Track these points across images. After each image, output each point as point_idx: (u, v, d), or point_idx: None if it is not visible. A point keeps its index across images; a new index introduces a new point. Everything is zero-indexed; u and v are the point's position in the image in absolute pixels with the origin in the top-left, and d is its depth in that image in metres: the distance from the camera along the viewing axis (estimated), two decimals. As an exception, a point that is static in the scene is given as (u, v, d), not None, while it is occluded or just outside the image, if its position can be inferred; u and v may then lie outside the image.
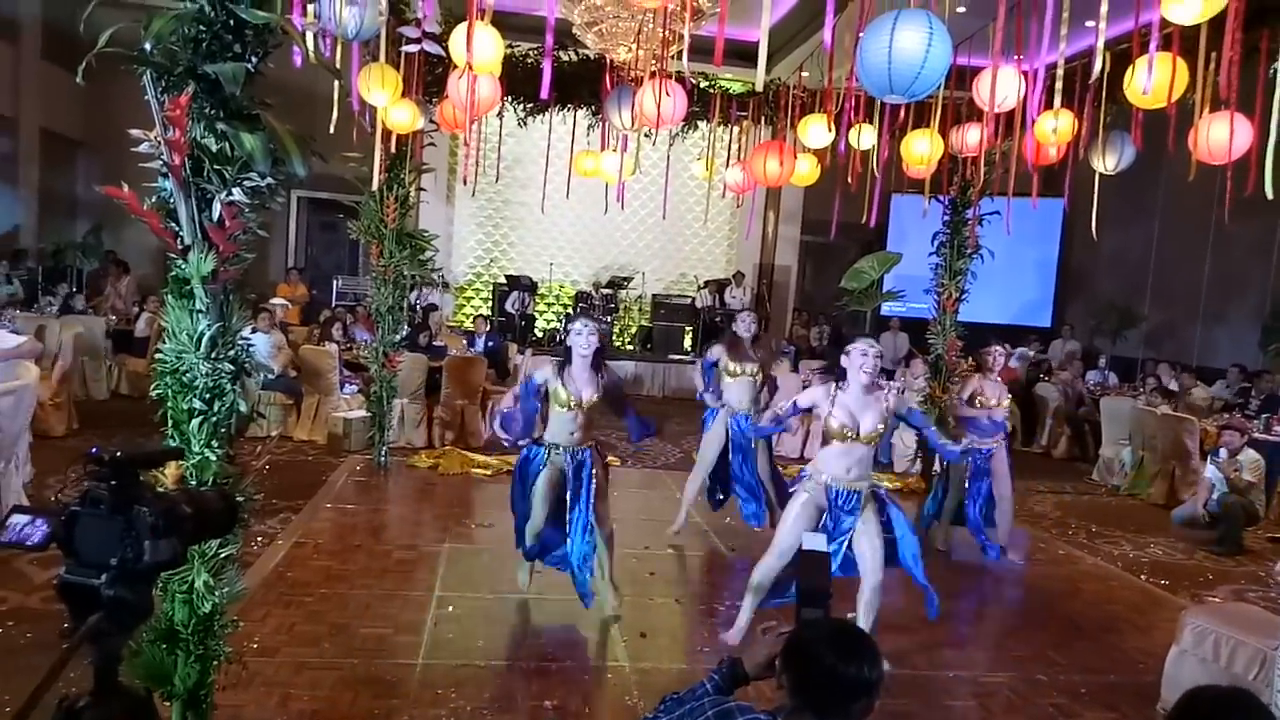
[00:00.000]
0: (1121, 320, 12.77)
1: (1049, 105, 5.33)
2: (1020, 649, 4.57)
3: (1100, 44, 4.14)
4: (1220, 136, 4.67)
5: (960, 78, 5.72)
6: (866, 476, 4.07)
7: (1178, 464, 7.99)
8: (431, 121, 6.85)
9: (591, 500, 4.33)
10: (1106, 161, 5.99)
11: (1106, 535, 6.96)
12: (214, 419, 2.55)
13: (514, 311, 13.19)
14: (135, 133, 2.49)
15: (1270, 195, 4.16)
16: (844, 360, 4.00)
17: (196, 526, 1.14)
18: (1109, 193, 7.35)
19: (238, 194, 2.58)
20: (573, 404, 4.28)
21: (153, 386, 2.59)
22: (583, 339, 4.27)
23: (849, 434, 3.96)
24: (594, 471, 4.37)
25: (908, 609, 5.02)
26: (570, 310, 13.88)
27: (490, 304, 14.05)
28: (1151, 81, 4.32)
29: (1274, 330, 10.18)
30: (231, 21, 2.54)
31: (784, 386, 9.34)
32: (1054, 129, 5.53)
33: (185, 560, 1.15)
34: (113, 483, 1.05)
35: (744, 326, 5.88)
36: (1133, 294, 13.10)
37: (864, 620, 4.01)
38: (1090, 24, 4.09)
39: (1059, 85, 4.87)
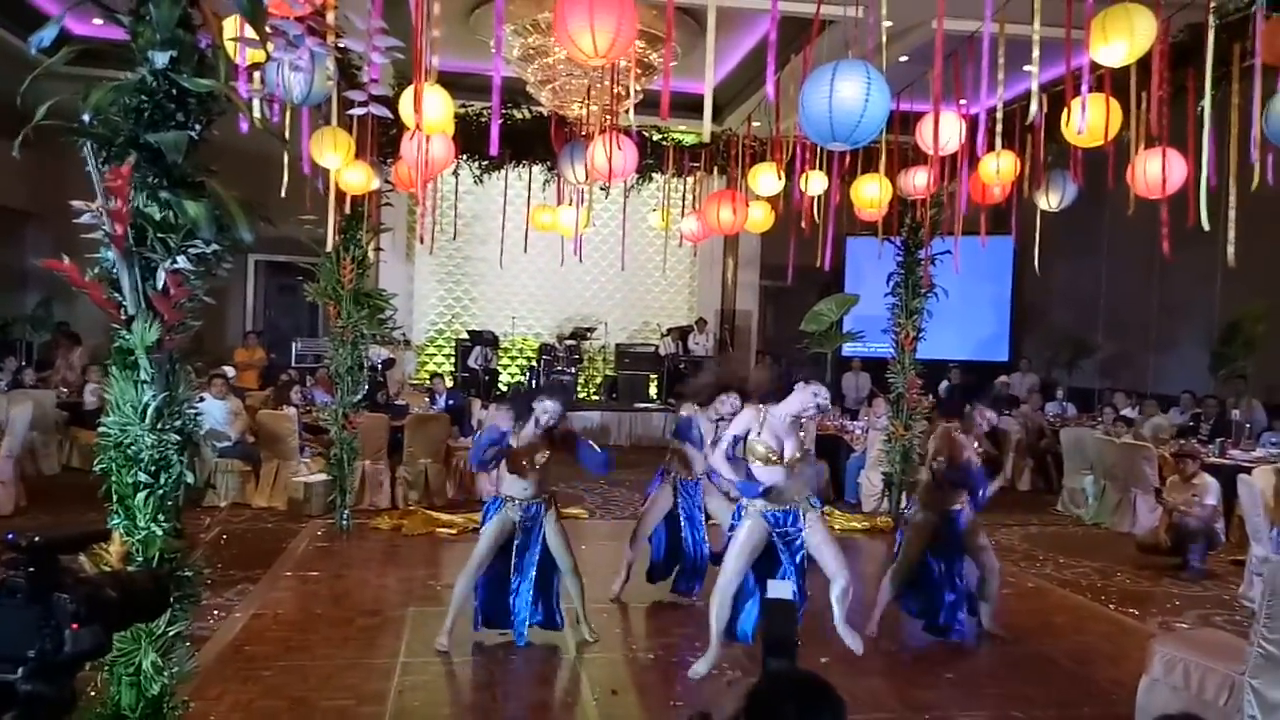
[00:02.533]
0: (1076, 351, 13.01)
1: (991, 147, 5.49)
2: (994, 686, 4.54)
3: (1035, 87, 4.28)
4: (1155, 172, 4.83)
5: (905, 123, 5.88)
6: (800, 491, 4.25)
7: (1139, 491, 8.08)
8: (387, 182, 6.88)
9: (542, 546, 4.71)
10: (1050, 199, 6.16)
11: (1074, 565, 6.99)
12: (160, 492, 2.48)
13: (477, 366, 13.12)
14: (76, 204, 2.46)
15: (1206, 227, 4.30)
16: (797, 388, 4.13)
17: (124, 611, 1.09)
18: (1056, 229, 7.56)
19: (183, 262, 2.55)
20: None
21: (96, 461, 2.52)
22: (549, 416, 4.63)
23: (773, 457, 4.11)
24: (546, 519, 4.74)
25: (880, 650, 5.00)
26: (535, 364, 13.84)
27: (453, 360, 13.98)
28: (1086, 121, 4.46)
29: (1222, 355, 10.42)
30: (174, 90, 2.54)
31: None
32: (997, 170, 5.68)
33: (111, 649, 1.10)
34: (30, 569, 1.01)
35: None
36: (1086, 325, 13.38)
37: (840, 618, 4.30)
38: (1027, 68, 4.23)
39: (999, 128, 5.02)
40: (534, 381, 13.60)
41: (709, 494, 5.60)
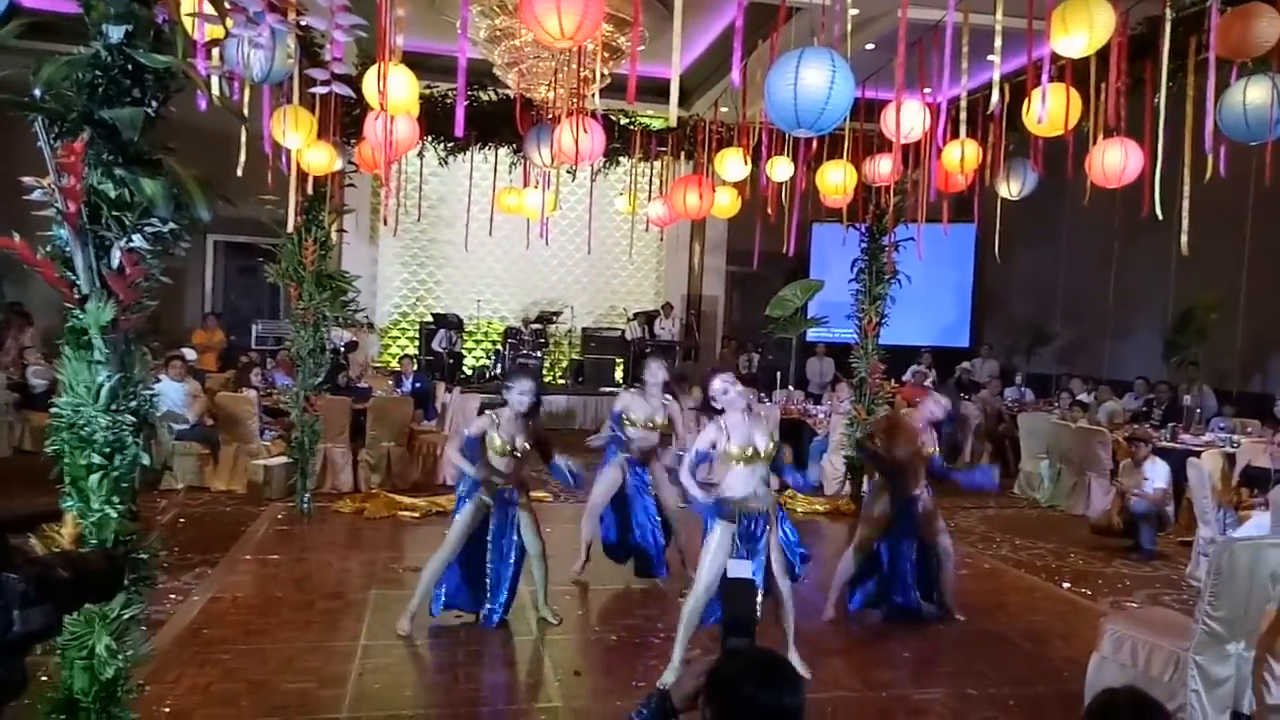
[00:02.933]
0: (1035, 338, 13.24)
1: (954, 135, 5.55)
2: (950, 665, 4.64)
3: (997, 76, 4.33)
4: (1114, 162, 4.92)
5: (870, 110, 5.92)
6: (768, 495, 4.23)
7: (1093, 475, 8.27)
8: (350, 163, 6.78)
9: (518, 528, 4.81)
10: (1011, 187, 6.24)
11: (1029, 547, 7.15)
12: (115, 474, 2.45)
13: (441, 350, 13.04)
14: (27, 180, 2.41)
15: (1160, 216, 4.39)
16: (713, 402, 4.15)
17: (76, 591, 1.08)
18: (1017, 217, 7.66)
19: (139, 240, 2.51)
20: (507, 450, 4.67)
21: (48, 442, 2.48)
22: (526, 397, 4.69)
23: (749, 454, 4.08)
24: (520, 504, 4.82)
25: (841, 631, 5.08)
26: (500, 348, 13.77)
27: (417, 343, 13.87)
28: (1046, 111, 4.53)
29: (1175, 343, 10.67)
30: (130, 66, 2.48)
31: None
32: (960, 158, 5.74)
33: (62, 629, 1.09)
34: (-22, 550, 1.00)
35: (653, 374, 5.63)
36: (1045, 313, 13.61)
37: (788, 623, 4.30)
38: (990, 58, 4.28)
39: (963, 116, 5.08)
40: (499, 366, 13.54)
41: (662, 486, 5.64)
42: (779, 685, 1.66)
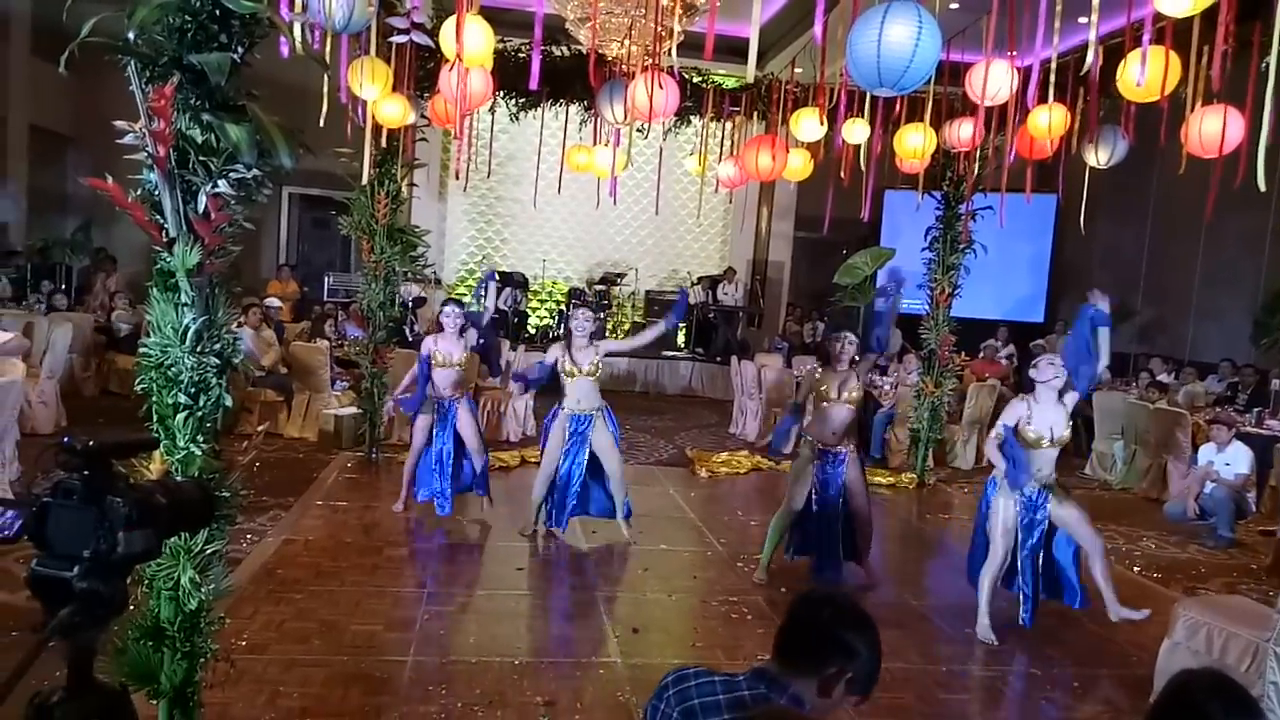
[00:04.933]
0: (1114, 316, 12.78)
1: (1042, 100, 5.33)
2: (1013, 642, 4.56)
3: (1093, 37, 4.13)
4: (1212, 130, 4.68)
5: (953, 73, 5.72)
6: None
7: (1170, 458, 8.00)
8: (423, 116, 6.83)
9: (589, 450, 5.55)
10: (1099, 156, 6.00)
11: (1100, 529, 6.94)
12: (199, 413, 2.52)
13: (506, 308, 13.15)
14: (119, 124, 2.46)
15: (1263, 188, 4.16)
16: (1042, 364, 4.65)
17: (172, 518, 1.11)
18: (1101, 188, 7.35)
19: (223, 186, 2.55)
20: (576, 373, 5.43)
21: (137, 381, 2.56)
22: (579, 323, 5.53)
23: (1044, 441, 4.49)
24: (596, 427, 5.54)
25: (901, 603, 5.03)
26: (564, 307, 13.84)
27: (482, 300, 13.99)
28: (1145, 75, 4.32)
29: (1266, 325, 10.20)
30: (217, 11, 2.51)
31: (775, 381, 9.35)
32: (1046, 123, 5.53)
33: (160, 552, 1.12)
34: (85, 473, 1.03)
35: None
36: (1125, 289, 13.10)
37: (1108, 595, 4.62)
38: (1083, 20, 4.08)
39: (1052, 80, 4.87)
40: (563, 325, 13.61)
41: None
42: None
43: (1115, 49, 5.09)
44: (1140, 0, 4.22)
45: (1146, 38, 4.20)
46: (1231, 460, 6.80)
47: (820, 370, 5.26)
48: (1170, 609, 4.08)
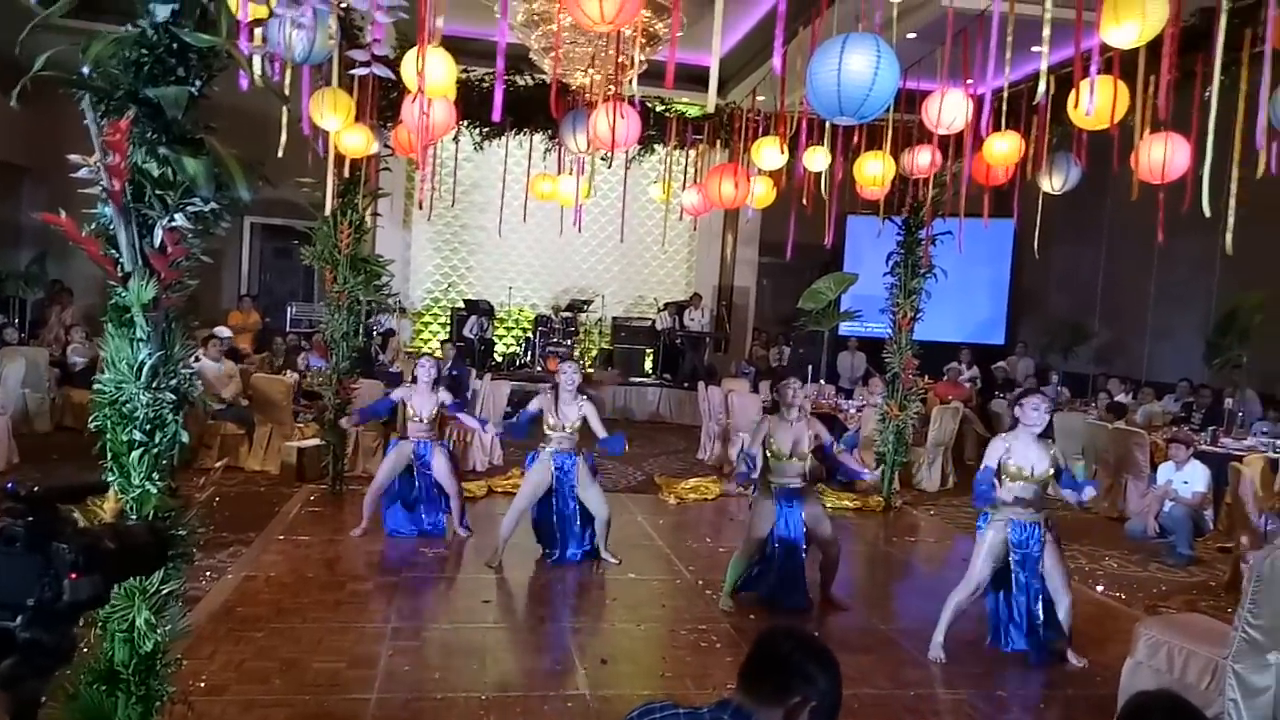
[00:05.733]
0: (1072, 337, 13.03)
1: (996, 127, 5.46)
2: (979, 665, 4.58)
3: (1044, 67, 4.24)
4: (1160, 157, 4.81)
5: (910, 101, 5.84)
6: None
7: (1130, 477, 8.13)
8: (386, 146, 6.81)
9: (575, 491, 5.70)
10: (1053, 182, 6.13)
11: (1063, 549, 7.03)
12: (155, 450, 2.47)
13: (472, 336, 13.10)
14: (74, 158, 2.43)
15: (1208, 213, 4.28)
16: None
17: (122, 563, 1.08)
18: (1057, 213, 7.54)
19: (180, 219, 2.53)
20: (559, 428, 5.63)
21: (91, 418, 2.51)
22: (567, 377, 5.66)
23: (1025, 475, 4.53)
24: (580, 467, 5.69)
25: (869, 627, 5.04)
26: (531, 335, 13.82)
27: (448, 329, 13.95)
28: (1094, 103, 4.43)
29: (1217, 345, 10.44)
30: (175, 45, 2.49)
31: (742, 406, 9.40)
32: (1001, 151, 5.65)
33: (109, 599, 1.09)
34: (29, 519, 1.00)
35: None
36: (1083, 311, 13.39)
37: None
38: (1035, 49, 4.19)
39: (1004, 108, 4.99)
40: (529, 353, 13.59)
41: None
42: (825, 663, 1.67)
43: (1066, 78, 5.23)
44: (1089, 31, 4.34)
45: (1095, 68, 4.32)
46: (1189, 479, 6.92)
47: (770, 421, 5.23)
48: (1133, 628, 4.13)
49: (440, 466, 6.12)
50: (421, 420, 6.07)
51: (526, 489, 5.71)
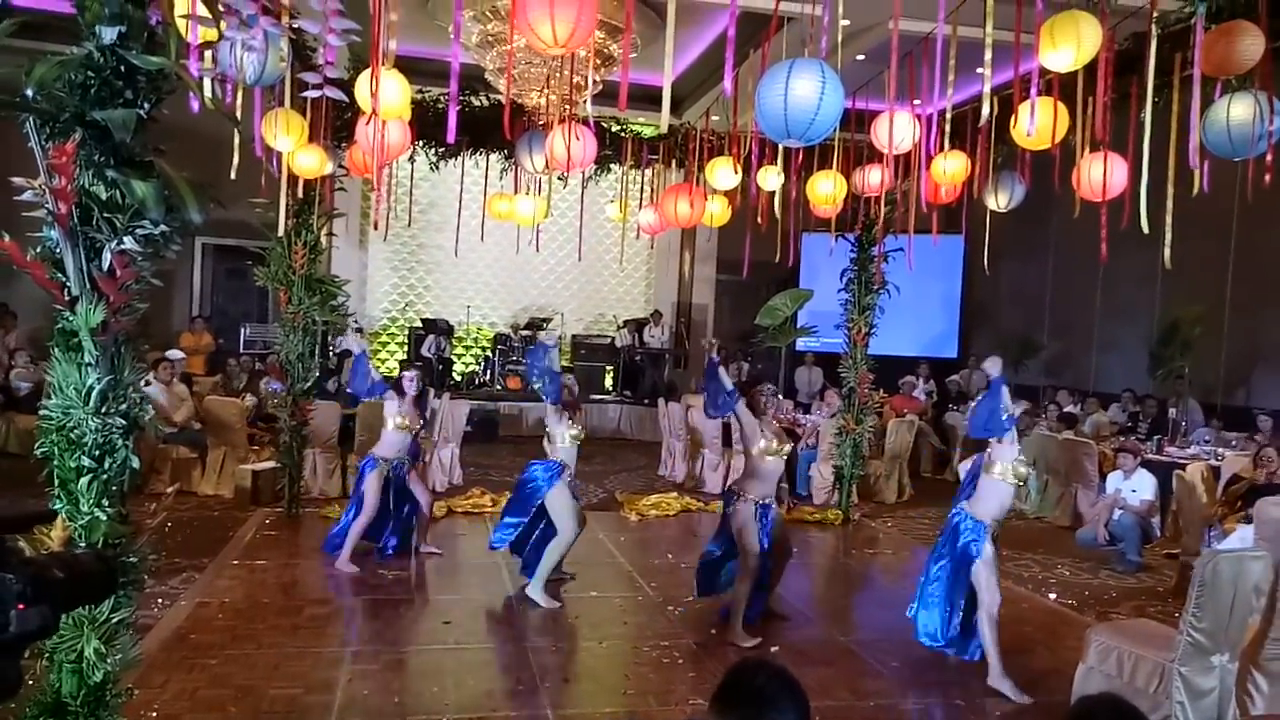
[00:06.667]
0: (1022, 350, 13.31)
1: (943, 147, 5.60)
2: (937, 675, 4.65)
3: (988, 89, 4.37)
4: (1099, 176, 4.96)
5: (860, 121, 5.96)
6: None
7: (1079, 486, 8.31)
8: (341, 166, 6.78)
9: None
10: (999, 200, 6.29)
11: (1016, 558, 7.17)
12: (104, 476, 2.44)
13: (431, 355, 13.01)
14: (17, 181, 2.40)
15: (1145, 230, 4.43)
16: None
17: (71, 592, 1.08)
18: (1005, 229, 7.72)
19: (129, 242, 2.50)
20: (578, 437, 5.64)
21: (37, 444, 2.47)
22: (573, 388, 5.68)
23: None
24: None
25: (829, 639, 5.09)
26: (490, 354, 13.76)
27: (406, 348, 13.84)
28: (1034, 124, 4.57)
29: (1160, 356, 10.75)
30: (122, 67, 2.48)
31: (702, 422, 9.44)
32: (945, 170, 5.80)
33: (57, 629, 1.08)
34: (-27, 550, 0.99)
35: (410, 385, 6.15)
36: (1032, 325, 13.69)
37: None
38: (979, 71, 4.32)
39: (949, 129, 5.12)
40: (489, 372, 13.54)
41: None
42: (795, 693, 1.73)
43: (1009, 99, 5.39)
44: (1028, 55, 4.48)
45: (1034, 90, 4.46)
46: (1137, 487, 7.10)
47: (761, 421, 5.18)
48: (1084, 634, 4.23)
49: (414, 479, 6.21)
50: (410, 433, 6.07)
51: (572, 518, 5.52)
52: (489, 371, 13.54)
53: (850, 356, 8.28)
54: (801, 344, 12.88)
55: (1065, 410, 10.35)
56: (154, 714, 3.64)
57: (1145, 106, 4.32)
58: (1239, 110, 4.17)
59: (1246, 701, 3.81)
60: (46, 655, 2.44)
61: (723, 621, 5.13)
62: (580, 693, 4.30)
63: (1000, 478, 4.50)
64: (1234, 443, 8.84)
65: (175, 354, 9.43)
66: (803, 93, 3.20)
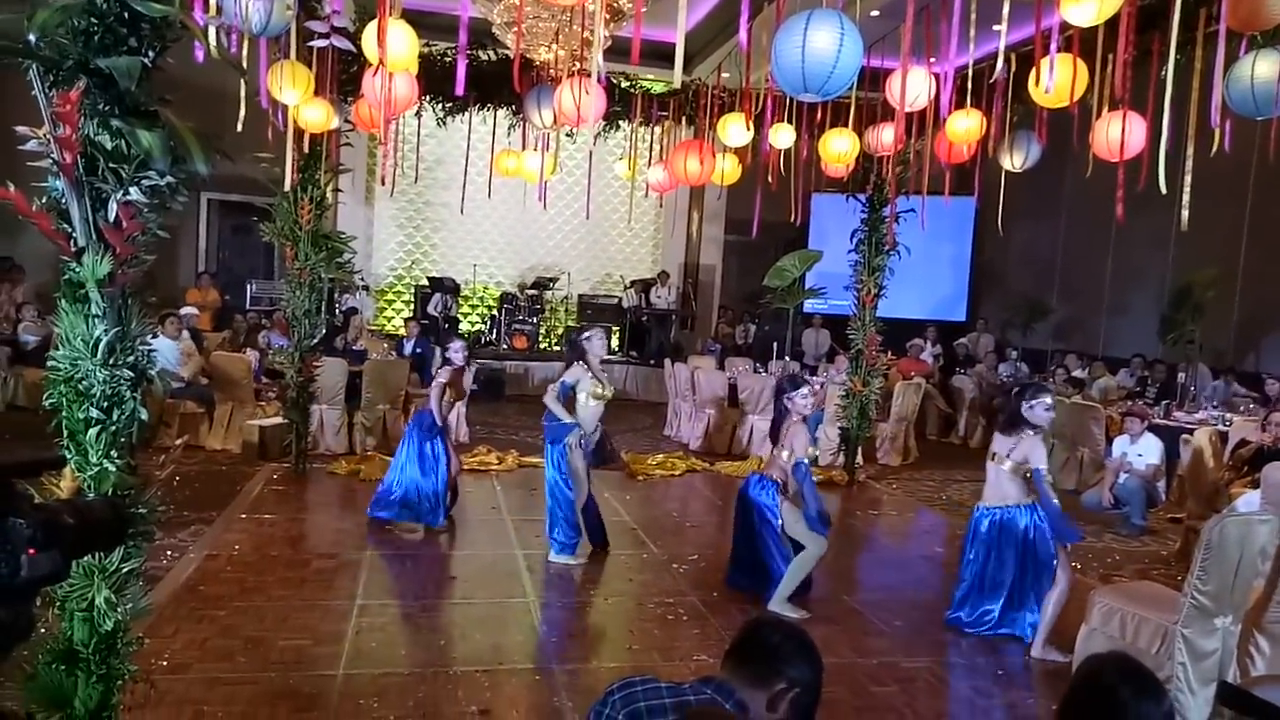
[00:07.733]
0: (1031, 313, 13.24)
1: (958, 105, 5.50)
2: (939, 634, 4.68)
3: (1003, 46, 4.28)
4: (1117, 135, 4.88)
5: (874, 79, 5.86)
6: None
7: (1086, 450, 8.31)
8: (347, 121, 6.70)
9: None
10: (1014, 159, 6.20)
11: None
12: (112, 428, 2.43)
13: (437, 314, 13.00)
14: (21, 130, 2.37)
15: (1164, 190, 4.37)
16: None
17: (81, 538, 1.07)
18: (1017, 190, 7.61)
19: (135, 193, 2.47)
20: (603, 396, 5.43)
21: (46, 396, 2.46)
22: (599, 344, 5.52)
23: None
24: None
25: (833, 598, 5.13)
26: (496, 312, 13.74)
27: (412, 306, 13.82)
28: (1053, 81, 4.48)
29: (1172, 320, 10.67)
30: (126, 14, 2.43)
31: (708, 382, 9.46)
32: (963, 128, 5.71)
33: (68, 575, 1.08)
34: (-17, 494, 0.98)
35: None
36: (1042, 288, 13.59)
37: None
38: (996, 28, 4.23)
39: (968, 86, 5.03)
40: (495, 331, 13.52)
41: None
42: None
43: (1027, 56, 5.29)
44: (1049, 9, 4.38)
45: (1054, 46, 4.37)
46: (1143, 451, 7.09)
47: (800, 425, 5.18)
48: (1088, 597, 4.25)
49: (450, 445, 6.19)
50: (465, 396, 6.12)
51: (582, 480, 5.45)
52: (495, 330, 13.52)
53: (859, 318, 8.24)
54: (809, 305, 12.82)
55: (1073, 374, 10.31)
56: (164, 663, 3.69)
57: (1167, 64, 4.22)
58: (1264, 68, 4.09)
59: (1247, 663, 3.82)
60: (58, 604, 2.46)
61: (732, 588, 5.09)
62: (585, 647, 4.34)
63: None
64: (1244, 407, 8.80)
65: (188, 309, 9.44)
66: (821, 44, 3.14)
